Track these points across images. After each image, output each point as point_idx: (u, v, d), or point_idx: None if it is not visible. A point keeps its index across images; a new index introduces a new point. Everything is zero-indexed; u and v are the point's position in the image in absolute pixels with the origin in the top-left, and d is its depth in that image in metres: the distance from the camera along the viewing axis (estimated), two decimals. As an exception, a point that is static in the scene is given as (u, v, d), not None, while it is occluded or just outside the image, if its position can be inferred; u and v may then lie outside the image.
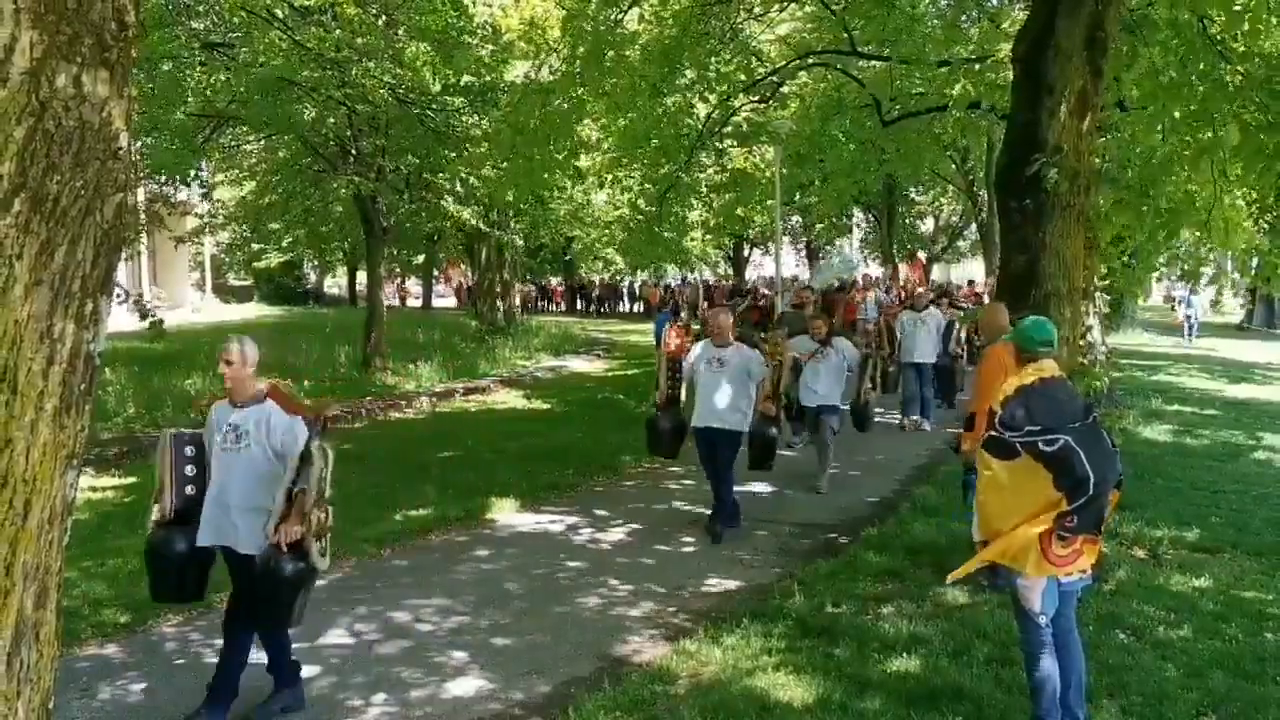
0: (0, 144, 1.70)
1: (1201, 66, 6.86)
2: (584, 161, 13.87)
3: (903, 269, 28.84)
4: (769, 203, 22.39)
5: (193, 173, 16.81)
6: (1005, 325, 5.73)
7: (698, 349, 7.59)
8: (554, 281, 45.78)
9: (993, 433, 3.90)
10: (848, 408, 9.61)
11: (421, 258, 38.24)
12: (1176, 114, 6.74)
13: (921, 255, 34.73)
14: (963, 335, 13.20)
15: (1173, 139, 7.15)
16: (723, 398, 7.28)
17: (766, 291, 23.20)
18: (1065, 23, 6.04)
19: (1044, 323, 4.24)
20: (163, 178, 17.73)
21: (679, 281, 40.10)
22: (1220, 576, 6.18)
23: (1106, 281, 10.48)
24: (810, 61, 14.54)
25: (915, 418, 12.08)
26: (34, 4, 1.73)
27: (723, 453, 7.39)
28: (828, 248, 37.99)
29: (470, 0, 14.38)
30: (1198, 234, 8.18)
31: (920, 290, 16.07)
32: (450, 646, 5.31)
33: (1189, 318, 26.46)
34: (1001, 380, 4.24)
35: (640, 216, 17.71)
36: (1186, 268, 11.66)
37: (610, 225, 25.35)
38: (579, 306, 44.17)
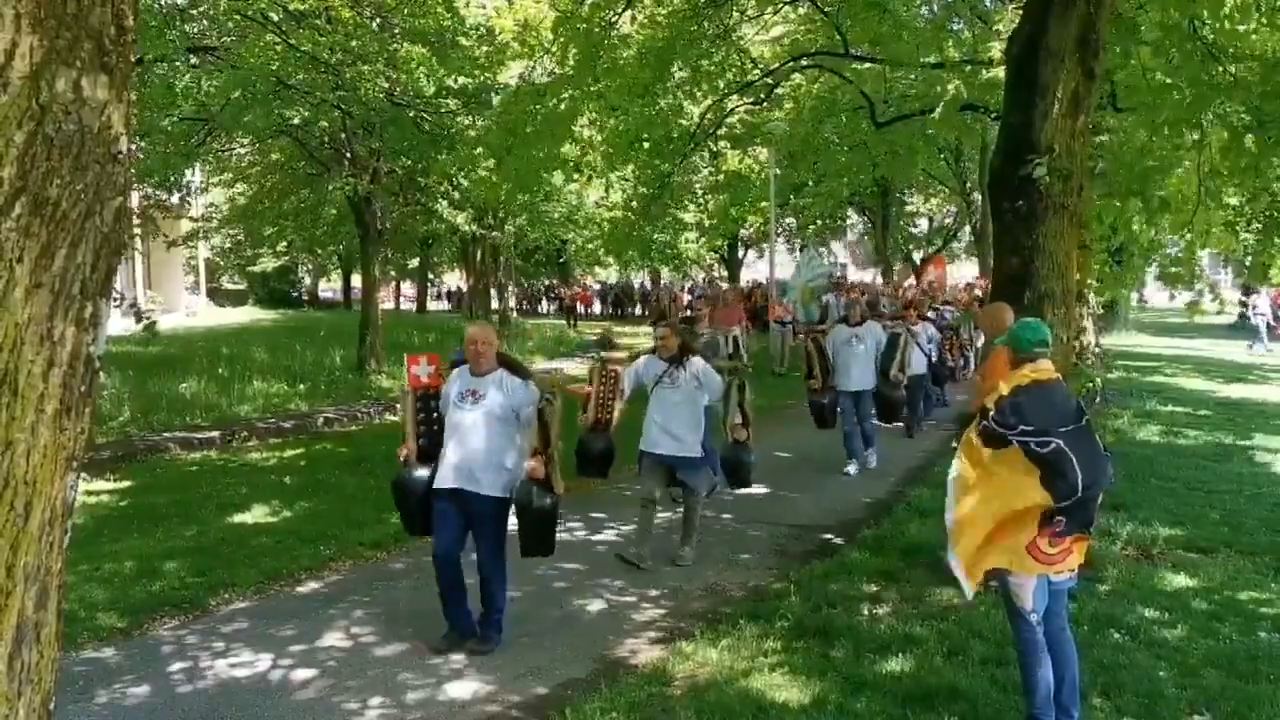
0: (1, 148, 1.71)
1: (1192, 65, 6.89)
2: (576, 155, 13.84)
3: (930, 270, 27.09)
4: (763, 204, 22.45)
5: (174, 178, 16.76)
6: (1008, 326, 5.73)
7: (452, 379, 5.43)
8: (578, 288, 44.91)
9: (985, 422, 3.90)
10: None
11: (416, 260, 38.22)
12: (1167, 112, 6.77)
13: (918, 256, 34.67)
14: (911, 352, 10.72)
15: (1160, 139, 7.18)
16: (478, 449, 5.15)
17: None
18: (1057, 24, 6.07)
19: (1037, 324, 4.24)
20: (154, 181, 17.71)
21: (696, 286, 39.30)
22: (1214, 576, 6.22)
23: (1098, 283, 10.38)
24: (803, 63, 14.57)
25: (866, 454, 9.92)
26: (33, 9, 1.74)
27: (481, 528, 5.22)
28: (806, 248, 36.67)
29: (464, 1, 14.40)
30: (1186, 235, 8.20)
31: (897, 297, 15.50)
32: (447, 649, 5.31)
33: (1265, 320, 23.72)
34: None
35: (629, 214, 17.72)
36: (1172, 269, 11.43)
37: (602, 222, 25.28)
38: (583, 311, 43.81)
